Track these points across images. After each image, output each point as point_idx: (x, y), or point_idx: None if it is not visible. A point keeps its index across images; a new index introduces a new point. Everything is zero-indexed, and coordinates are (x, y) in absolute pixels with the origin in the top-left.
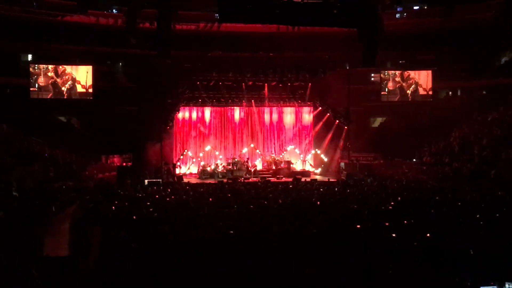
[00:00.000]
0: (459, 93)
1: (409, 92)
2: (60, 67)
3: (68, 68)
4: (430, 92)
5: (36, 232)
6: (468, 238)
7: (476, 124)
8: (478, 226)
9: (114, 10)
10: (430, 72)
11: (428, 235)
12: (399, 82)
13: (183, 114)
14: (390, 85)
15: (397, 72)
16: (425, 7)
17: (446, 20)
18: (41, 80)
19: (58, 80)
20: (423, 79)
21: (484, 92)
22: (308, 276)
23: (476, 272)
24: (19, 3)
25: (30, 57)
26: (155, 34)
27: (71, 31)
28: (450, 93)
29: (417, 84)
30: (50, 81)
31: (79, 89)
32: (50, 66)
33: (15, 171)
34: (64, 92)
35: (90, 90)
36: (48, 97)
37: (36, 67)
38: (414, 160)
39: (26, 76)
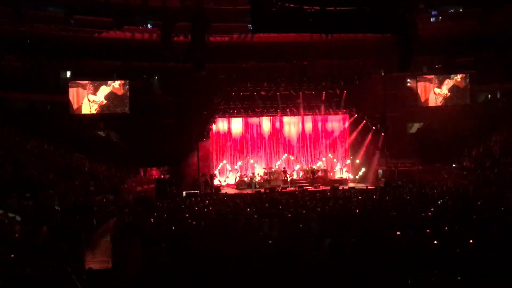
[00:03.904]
0: (498, 95)
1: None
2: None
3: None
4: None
5: (78, 246)
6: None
7: None
8: None
9: (149, 25)
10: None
11: (471, 241)
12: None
13: (219, 125)
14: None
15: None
16: (461, 10)
17: (483, 23)
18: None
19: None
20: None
21: None
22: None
23: None
24: (57, 21)
25: (68, 74)
26: (190, 47)
27: (108, 47)
28: (489, 96)
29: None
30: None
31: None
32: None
33: (57, 187)
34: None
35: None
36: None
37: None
38: (454, 165)
39: (65, 93)
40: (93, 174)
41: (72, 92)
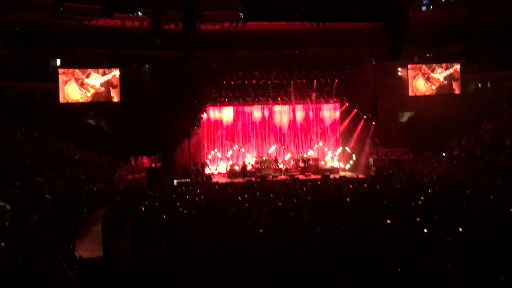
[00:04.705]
0: (488, 85)
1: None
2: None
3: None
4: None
5: (69, 235)
6: (501, 233)
7: (507, 116)
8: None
9: (139, 13)
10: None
11: (460, 230)
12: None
13: (210, 113)
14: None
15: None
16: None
17: (474, 11)
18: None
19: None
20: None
21: None
22: (340, 274)
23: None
24: (47, 9)
25: (58, 62)
26: (181, 35)
27: (98, 35)
28: (480, 85)
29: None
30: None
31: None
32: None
33: (47, 175)
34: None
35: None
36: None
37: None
38: (444, 154)
39: (55, 81)
40: (83, 163)
41: (62, 79)
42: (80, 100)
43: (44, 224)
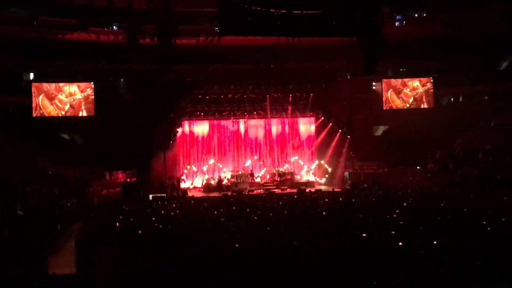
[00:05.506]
0: (461, 99)
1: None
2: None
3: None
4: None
5: (42, 250)
6: (474, 245)
7: (479, 130)
8: (484, 232)
9: (114, 27)
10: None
11: (434, 242)
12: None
13: (185, 128)
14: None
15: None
16: (425, 15)
17: (447, 27)
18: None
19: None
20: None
21: (486, 98)
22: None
23: (484, 280)
24: (20, 22)
25: (32, 75)
26: (156, 49)
27: (72, 48)
28: (452, 99)
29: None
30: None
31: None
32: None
33: (20, 190)
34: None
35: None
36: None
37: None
38: (418, 167)
39: (28, 94)
40: (57, 177)
41: (35, 93)
42: (54, 114)
43: (16, 240)
